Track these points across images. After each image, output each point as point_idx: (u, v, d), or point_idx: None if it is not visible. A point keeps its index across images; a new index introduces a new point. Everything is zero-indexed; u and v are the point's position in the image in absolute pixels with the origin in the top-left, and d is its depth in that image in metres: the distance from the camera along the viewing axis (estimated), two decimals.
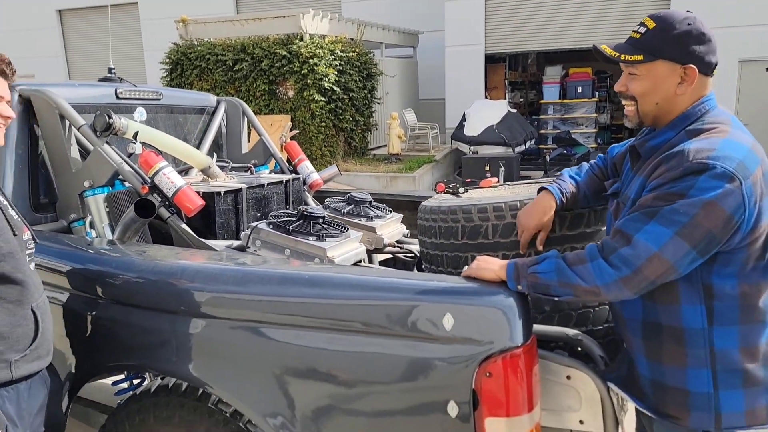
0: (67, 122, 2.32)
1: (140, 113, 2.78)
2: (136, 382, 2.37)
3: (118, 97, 2.73)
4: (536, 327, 1.65)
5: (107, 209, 2.33)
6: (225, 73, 10.57)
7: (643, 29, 1.50)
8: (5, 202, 1.74)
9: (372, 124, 11.86)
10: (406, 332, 1.54)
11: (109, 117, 2.26)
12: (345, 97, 10.58)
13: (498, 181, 2.53)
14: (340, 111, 10.59)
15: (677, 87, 1.48)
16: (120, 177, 2.33)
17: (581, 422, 1.64)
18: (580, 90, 12.41)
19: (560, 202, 1.78)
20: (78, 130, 2.31)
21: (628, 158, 1.67)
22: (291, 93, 10.38)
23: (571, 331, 1.73)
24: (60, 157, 2.34)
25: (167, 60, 11.08)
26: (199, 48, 10.79)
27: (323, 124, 10.30)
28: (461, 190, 2.36)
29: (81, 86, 2.66)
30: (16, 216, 1.75)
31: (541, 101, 13.26)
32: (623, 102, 1.58)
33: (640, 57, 1.48)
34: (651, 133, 1.58)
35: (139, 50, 17.85)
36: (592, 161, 1.96)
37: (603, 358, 1.66)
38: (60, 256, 2.06)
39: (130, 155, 2.33)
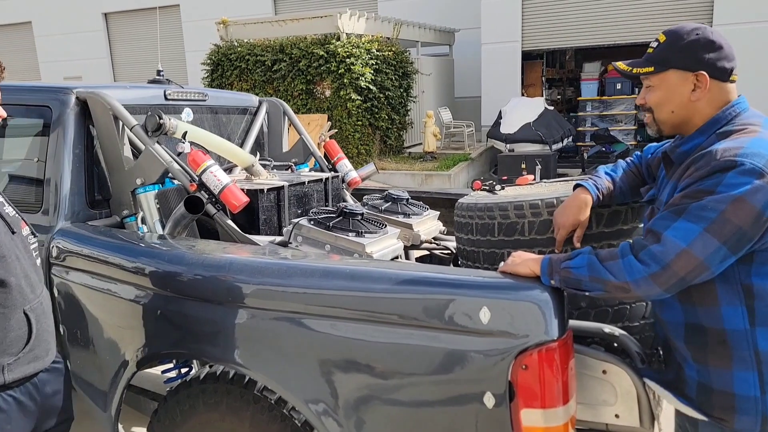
0: (121, 123, 2.44)
1: (187, 114, 2.89)
2: (183, 370, 2.49)
3: (166, 99, 2.84)
4: (572, 322, 1.68)
5: (158, 205, 2.44)
6: (264, 73, 10.76)
7: (655, 44, 1.59)
8: (1, 199, 1.74)
9: (407, 123, 11.90)
10: (443, 325, 1.59)
11: (160, 118, 2.37)
12: (381, 95, 10.65)
13: (534, 179, 2.55)
14: (376, 110, 10.67)
15: (691, 94, 1.54)
16: (169, 175, 2.44)
17: (617, 416, 1.66)
18: (619, 86, 12.20)
19: (596, 199, 1.80)
20: (130, 131, 2.43)
21: (662, 165, 1.70)
22: (328, 92, 10.51)
23: (608, 327, 1.75)
24: (114, 156, 2.46)
25: (208, 61, 11.33)
26: (239, 49, 11.00)
27: (359, 122, 10.39)
28: (497, 187, 2.40)
29: (132, 88, 2.79)
30: (13, 213, 1.75)
31: (579, 98, 13.07)
32: (644, 113, 1.66)
33: (651, 68, 1.57)
34: (682, 139, 1.61)
35: (180, 51, 18.28)
36: (628, 158, 1.97)
37: (640, 355, 1.68)
38: (115, 249, 2.18)
39: (179, 154, 2.43)
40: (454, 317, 1.58)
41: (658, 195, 1.69)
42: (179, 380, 2.42)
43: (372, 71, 10.35)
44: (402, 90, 11.37)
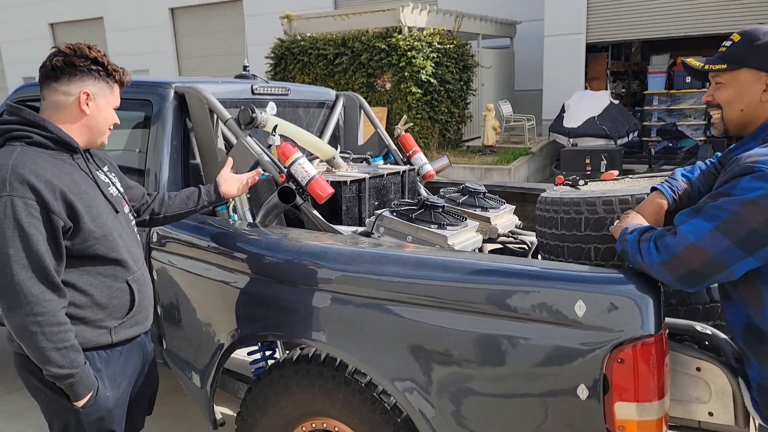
0: (215, 116, 2.57)
1: (271, 107, 3.00)
2: (268, 353, 2.61)
3: (253, 93, 2.97)
4: (666, 319, 1.68)
5: (248, 195, 2.56)
6: (326, 66, 10.91)
7: (728, 43, 1.63)
8: (106, 180, 1.86)
9: (467, 116, 11.84)
10: (537, 317, 1.63)
11: (252, 112, 2.49)
12: (441, 89, 10.63)
13: (618, 174, 2.53)
14: (436, 103, 10.66)
15: (762, 94, 1.57)
16: (259, 166, 2.55)
17: (710, 414, 1.66)
18: (688, 80, 11.73)
19: (672, 202, 1.80)
20: (224, 124, 2.55)
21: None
22: (388, 85, 10.57)
23: (699, 325, 1.74)
24: (208, 148, 2.60)
25: (272, 55, 11.57)
26: (302, 43, 11.18)
27: (419, 116, 10.42)
28: (581, 182, 2.40)
29: (223, 83, 2.92)
30: (117, 193, 1.88)
31: (645, 92, 12.67)
32: (710, 111, 1.70)
33: (724, 66, 1.61)
34: (739, 142, 1.65)
35: (242, 45, 18.72)
36: (707, 159, 1.95)
37: (734, 353, 1.67)
38: (212, 236, 2.31)
39: (269, 146, 2.54)
40: (548, 310, 1.61)
41: None
42: (262, 362, 2.55)
43: (433, 64, 10.34)
44: (462, 83, 11.31)
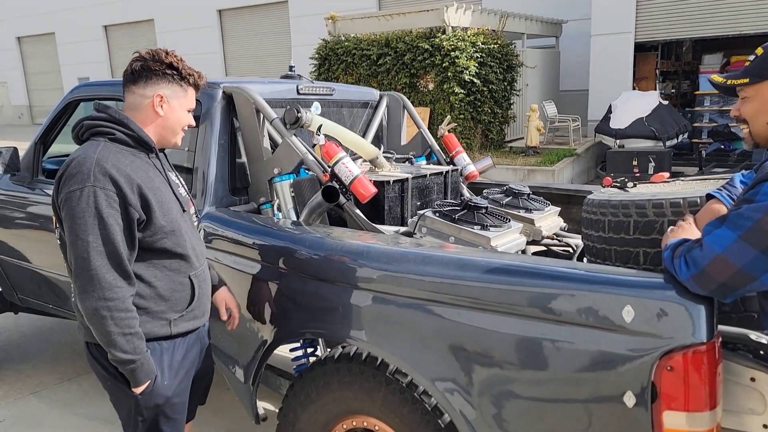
0: (261, 115, 2.61)
1: (316, 107, 3.04)
2: (309, 350, 2.64)
3: (298, 93, 3.00)
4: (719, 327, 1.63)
5: (292, 194, 2.60)
6: (369, 67, 10.95)
7: (752, 57, 1.62)
8: (177, 180, 1.98)
9: (510, 117, 11.70)
10: (583, 321, 1.60)
11: (298, 111, 2.52)
12: (485, 89, 10.54)
13: (669, 177, 2.47)
14: (479, 103, 10.58)
15: None
16: (304, 165, 2.58)
17: (765, 426, 1.60)
18: None
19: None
20: (270, 123, 2.59)
21: None
22: (431, 86, 10.54)
23: (754, 333, 1.68)
24: (254, 147, 2.64)
25: (316, 56, 11.68)
26: (346, 44, 11.26)
27: (461, 116, 10.35)
28: (629, 184, 2.34)
29: (269, 83, 2.96)
30: (185, 194, 2.00)
31: (697, 92, 12.28)
32: (740, 126, 1.69)
33: (746, 80, 1.60)
34: None
35: (286, 46, 18.98)
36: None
37: None
38: (258, 233, 2.35)
39: (313, 146, 2.57)
40: (595, 314, 1.58)
41: None
42: (304, 359, 2.58)
43: (476, 64, 10.27)
44: (506, 83, 11.19)
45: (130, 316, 1.73)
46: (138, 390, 1.80)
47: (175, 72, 1.86)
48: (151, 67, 1.83)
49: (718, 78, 1.70)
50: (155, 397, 1.84)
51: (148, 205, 1.76)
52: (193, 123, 1.98)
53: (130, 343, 1.72)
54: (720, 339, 1.54)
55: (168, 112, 1.86)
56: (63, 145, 3.62)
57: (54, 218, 1.83)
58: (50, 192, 3.19)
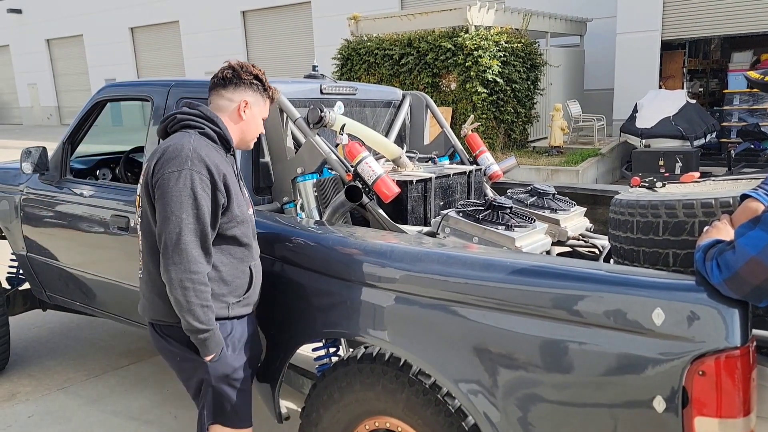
0: (285, 115, 2.61)
1: (339, 107, 3.03)
2: (332, 350, 2.63)
3: (322, 92, 3.00)
4: (754, 331, 1.58)
5: (315, 194, 2.59)
6: (391, 67, 10.94)
7: None
8: (242, 182, 2.14)
9: (533, 116, 11.60)
10: (611, 324, 1.56)
11: (321, 111, 2.51)
12: (508, 88, 10.45)
13: (699, 177, 2.41)
14: (502, 103, 10.50)
15: None
16: (327, 165, 2.58)
17: None
18: None
19: None
20: (293, 123, 2.59)
21: None
22: (453, 85, 10.49)
23: None
24: (277, 147, 2.64)
25: (339, 56, 11.71)
26: (368, 43, 11.26)
27: (484, 115, 10.28)
28: (658, 184, 2.29)
29: (293, 83, 2.97)
30: (248, 195, 2.17)
31: (725, 91, 12.03)
32: None
33: None
34: None
35: (309, 46, 19.08)
36: None
37: None
38: (280, 233, 2.35)
39: (336, 145, 2.56)
40: (623, 317, 1.54)
41: None
42: (326, 359, 2.57)
43: (499, 64, 10.19)
44: (529, 82, 11.09)
45: (208, 290, 1.90)
46: (208, 357, 1.95)
47: (259, 83, 2.09)
48: (241, 76, 2.04)
49: (755, 74, 1.66)
50: (224, 366, 2.00)
51: (229, 194, 1.96)
52: (264, 131, 2.19)
53: (206, 314, 1.89)
54: (754, 343, 1.50)
55: (249, 117, 2.08)
56: (90, 146, 3.67)
57: (138, 198, 2.03)
58: (77, 191, 3.24)
